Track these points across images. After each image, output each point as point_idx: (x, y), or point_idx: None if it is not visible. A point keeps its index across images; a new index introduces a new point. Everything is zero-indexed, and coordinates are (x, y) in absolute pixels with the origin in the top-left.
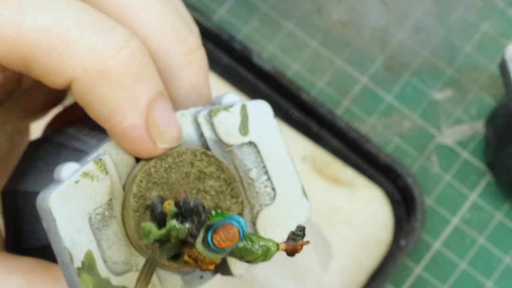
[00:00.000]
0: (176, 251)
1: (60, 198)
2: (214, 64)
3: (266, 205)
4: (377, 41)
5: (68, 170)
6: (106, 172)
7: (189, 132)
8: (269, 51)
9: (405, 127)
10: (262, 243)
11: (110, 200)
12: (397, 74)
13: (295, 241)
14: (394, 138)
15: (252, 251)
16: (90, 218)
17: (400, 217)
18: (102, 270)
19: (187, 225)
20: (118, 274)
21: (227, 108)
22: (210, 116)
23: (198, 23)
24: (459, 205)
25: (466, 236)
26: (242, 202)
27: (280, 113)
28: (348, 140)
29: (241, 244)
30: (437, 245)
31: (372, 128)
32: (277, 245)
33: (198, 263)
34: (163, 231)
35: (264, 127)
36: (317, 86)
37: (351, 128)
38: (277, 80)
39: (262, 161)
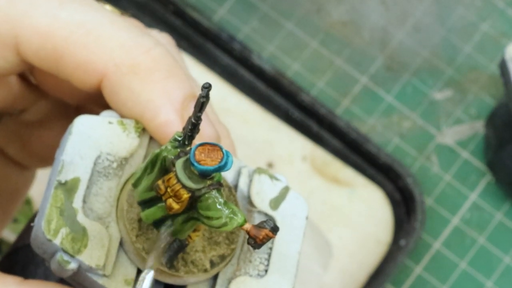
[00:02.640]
0: (160, 215)
1: (87, 122)
2: (214, 64)
3: (251, 276)
4: (377, 41)
5: (107, 113)
6: (139, 136)
7: (228, 177)
8: (269, 51)
9: (405, 127)
10: (231, 209)
11: (125, 159)
12: (397, 74)
13: (262, 229)
14: (394, 138)
15: (218, 210)
16: (99, 156)
17: (400, 217)
18: (77, 202)
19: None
20: (86, 216)
21: (272, 177)
22: (254, 172)
23: (198, 23)
24: (459, 205)
25: (466, 236)
26: (233, 250)
27: (280, 113)
28: (348, 140)
29: (213, 194)
30: (437, 245)
31: (372, 128)
32: (245, 220)
33: (168, 197)
34: (152, 156)
35: (292, 219)
36: (317, 86)
37: (351, 128)
38: (277, 80)
39: (272, 243)
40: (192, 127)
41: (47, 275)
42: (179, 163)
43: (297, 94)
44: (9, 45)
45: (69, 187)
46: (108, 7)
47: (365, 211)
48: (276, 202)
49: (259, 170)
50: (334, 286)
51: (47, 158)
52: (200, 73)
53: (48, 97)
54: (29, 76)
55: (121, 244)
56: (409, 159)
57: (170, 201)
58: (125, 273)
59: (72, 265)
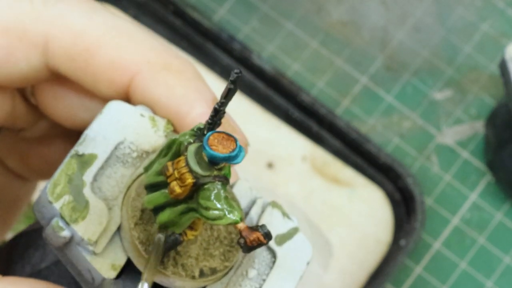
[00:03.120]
0: (162, 201)
1: (120, 107)
2: (214, 64)
3: None
4: (377, 41)
5: (141, 107)
6: (166, 136)
7: (241, 203)
8: (269, 51)
9: (405, 127)
10: (230, 205)
11: (147, 153)
12: (397, 74)
13: (254, 231)
14: (394, 138)
15: (213, 203)
16: (122, 142)
17: (400, 217)
18: (88, 177)
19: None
20: (93, 193)
21: (285, 214)
22: (268, 205)
23: (198, 23)
24: (459, 205)
25: (466, 236)
26: (226, 267)
27: (280, 113)
28: (348, 140)
29: (217, 185)
30: (437, 245)
31: (372, 128)
32: (241, 218)
33: (173, 180)
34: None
35: (294, 260)
36: (317, 86)
37: (351, 128)
38: (277, 80)
39: (266, 275)
40: (214, 114)
41: (43, 259)
42: (192, 147)
43: (297, 94)
44: (36, 45)
45: (84, 160)
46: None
47: (365, 211)
48: (282, 239)
49: (273, 204)
50: (334, 286)
51: (47, 172)
52: (200, 73)
53: (47, 117)
54: (29, 97)
55: (118, 230)
56: (409, 159)
57: (174, 183)
58: (114, 258)
59: (65, 233)
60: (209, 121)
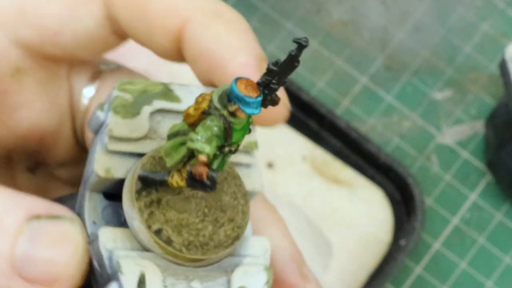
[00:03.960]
0: (179, 128)
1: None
2: None
3: None
4: (377, 41)
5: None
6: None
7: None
8: (269, 51)
9: (405, 127)
10: (207, 137)
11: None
12: (397, 74)
13: (205, 167)
14: (394, 138)
15: (200, 128)
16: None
17: (400, 217)
18: (157, 104)
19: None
20: (149, 116)
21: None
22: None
23: None
24: (459, 205)
25: (466, 236)
26: (239, 227)
27: None
28: (348, 140)
29: (215, 119)
30: (437, 245)
31: (372, 128)
32: (207, 154)
33: (191, 107)
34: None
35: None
36: (317, 86)
37: (351, 128)
38: None
39: None
40: (267, 73)
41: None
42: (225, 86)
43: (297, 94)
44: None
45: (166, 93)
46: None
47: (365, 211)
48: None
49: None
50: (334, 286)
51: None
52: None
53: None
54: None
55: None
56: (409, 159)
57: (190, 108)
58: (115, 167)
59: (101, 114)
60: (260, 81)
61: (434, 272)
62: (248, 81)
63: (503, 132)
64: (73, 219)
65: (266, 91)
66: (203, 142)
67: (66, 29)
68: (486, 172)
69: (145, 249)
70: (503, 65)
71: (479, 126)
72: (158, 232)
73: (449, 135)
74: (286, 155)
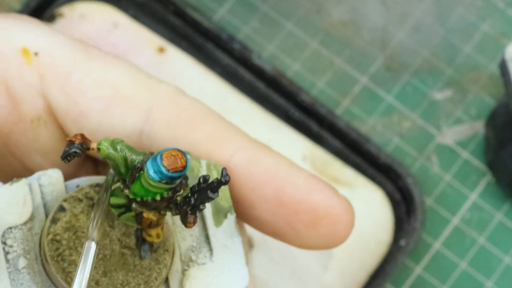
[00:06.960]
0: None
1: None
2: (214, 64)
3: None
4: (377, 41)
5: None
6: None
7: None
8: (269, 51)
9: (405, 127)
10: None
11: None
12: (397, 74)
13: (86, 140)
14: (394, 138)
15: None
16: None
17: (400, 217)
18: None
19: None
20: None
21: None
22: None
23: (198, 23)
24: (459, 205)
25: (466, 236)
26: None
27: (280, 113)
28: (348, 140)
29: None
30: (437, 245)
31: (372, 128)
32: (102, 150)
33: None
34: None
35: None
36: (317, 86)
37: (351, 128)
38: (277, 80)
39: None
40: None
41: None
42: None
43: (297, 94)
44: (137, 107)
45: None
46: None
47: (365, 211)
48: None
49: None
50: (334, 286)
51: None
52: (200, 73)
53: None
54: None
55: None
56: (409, 159)
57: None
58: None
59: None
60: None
61: (434, 272)
62: (167, 156)
63: (503, 132)
64: None
65: (188, 201)
66: (107, 147)
67: (102, 128)
68: (486, 172)
69: None
70: (503, 65)
71: (479, 126)
72: None
73: (449, 135)
74: (286, 155)
